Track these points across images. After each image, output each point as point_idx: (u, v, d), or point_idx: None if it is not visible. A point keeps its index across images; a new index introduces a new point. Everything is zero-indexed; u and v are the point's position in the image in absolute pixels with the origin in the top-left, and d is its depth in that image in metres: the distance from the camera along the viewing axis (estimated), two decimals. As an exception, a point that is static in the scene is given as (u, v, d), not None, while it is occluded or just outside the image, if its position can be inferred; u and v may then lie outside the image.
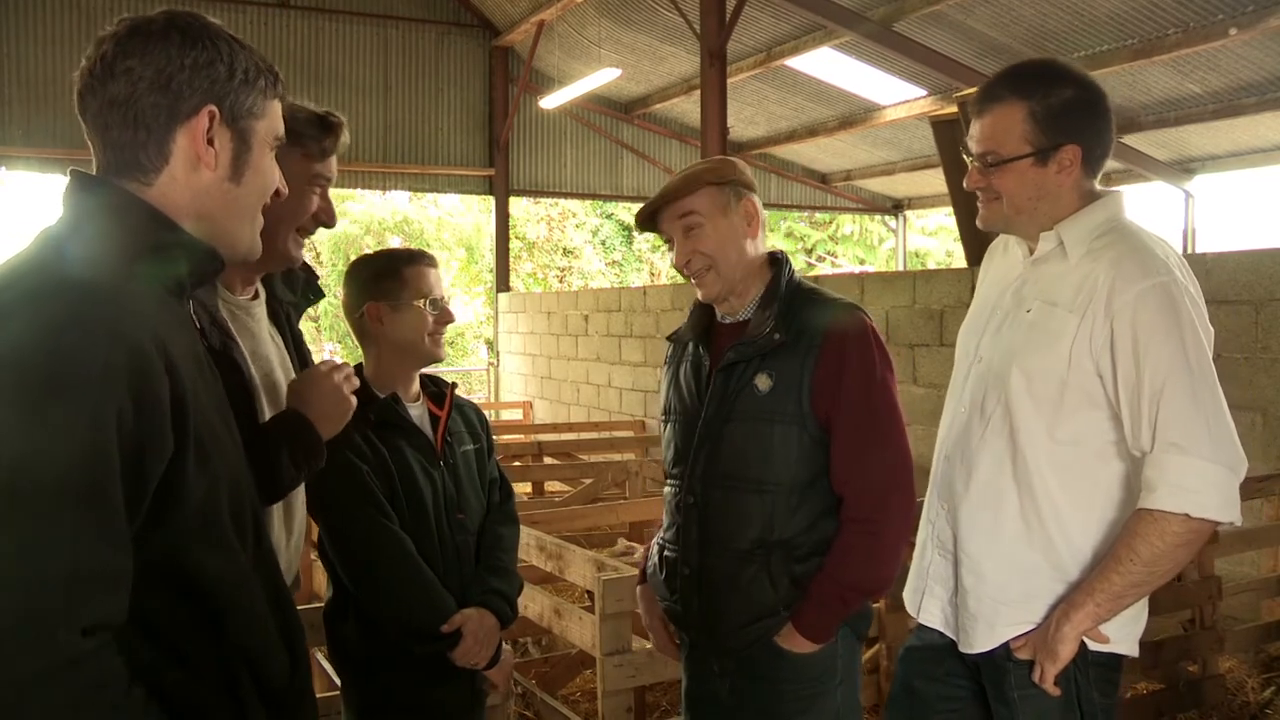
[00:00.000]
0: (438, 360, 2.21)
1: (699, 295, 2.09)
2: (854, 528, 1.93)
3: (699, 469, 2.01)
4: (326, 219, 1.64)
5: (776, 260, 2.08)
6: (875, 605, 3.37)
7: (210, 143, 1.20)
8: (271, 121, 1.27)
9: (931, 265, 20.05)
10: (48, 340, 1.02)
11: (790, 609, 1.95)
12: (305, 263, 1.78)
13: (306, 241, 1.70)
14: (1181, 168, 11.70)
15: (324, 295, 1.90)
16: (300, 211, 1.56)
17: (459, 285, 20.01)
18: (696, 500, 2.01)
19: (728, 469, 1.97)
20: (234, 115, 1.21)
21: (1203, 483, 1.63)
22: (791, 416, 1.93)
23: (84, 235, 1.14)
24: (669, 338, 2.23)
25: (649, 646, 3.11)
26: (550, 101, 12.17)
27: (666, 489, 2.15)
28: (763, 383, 1.95)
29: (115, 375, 1.02)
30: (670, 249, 2.08)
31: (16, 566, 0.95)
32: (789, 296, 2.02)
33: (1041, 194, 1.82)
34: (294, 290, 1.72)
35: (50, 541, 0.96)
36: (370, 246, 17.33)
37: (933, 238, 20.87)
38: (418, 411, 2.21)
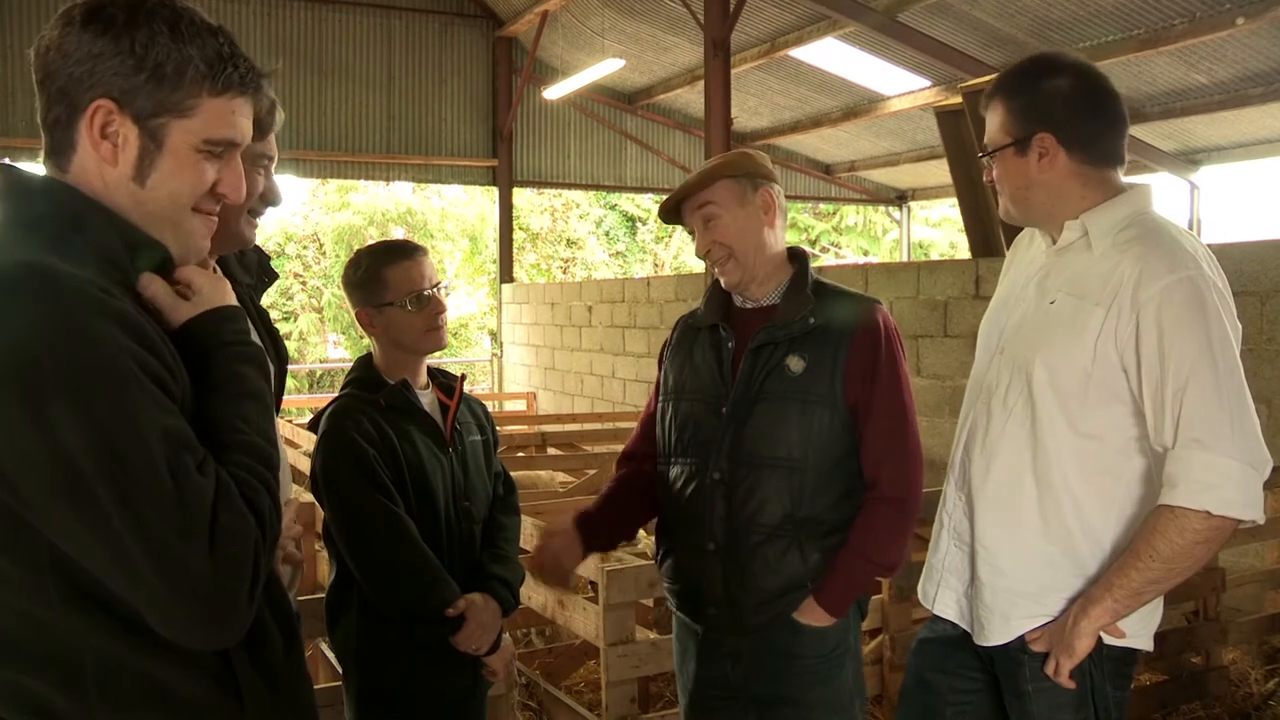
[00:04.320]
0: (439, 349, 2.22)
1: (722, 282, 2.17)
2: (888, 507, 2.03)
3: (725, 447, 2.04)
4: (273, 198, 1.63)
5: (797, 255, 2.19)
6: (877, 596, 3.39)
7: (111, 138, 1.15)
8: (202, 122, 1.18)
9: (935, 256, 20.01)
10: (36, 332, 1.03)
11: (815, 583, 2.02)
12: (256, 244, 1.79)
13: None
14: (1186, 159, 11.66)
15: (279, 276, 1.90)
16: (249, 194, 1.54)
17: (462, 276, 19.99)
18: (723, 477, 2.04)
19: (756, 447, 2.03)
20: (140, 112, 1.15)
21: (1224, 479, 1.61)
22: (824, 399, 2.02)
23: (25, 234, 1.13)
24: (682, 320, 2.27)
25: (653, 637, 3.12)
26: (554, 92, 12.14)
27: (673, 469, 2.14)
28: (795, 364, 2.04)
29: (118, 345, 1.05)
30: (692, 237, 2.19)
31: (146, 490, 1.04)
32: (817, 288, 2.12)
33: (1030, 183, 1.86)
34: (250, 273, 1.72)
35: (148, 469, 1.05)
36: (374, 237, 17.32)
37: (937, 229, 20.82)
38: (427, 399, 2.24)
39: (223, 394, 1.18)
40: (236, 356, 1.22)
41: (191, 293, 1.24)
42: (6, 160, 1.22)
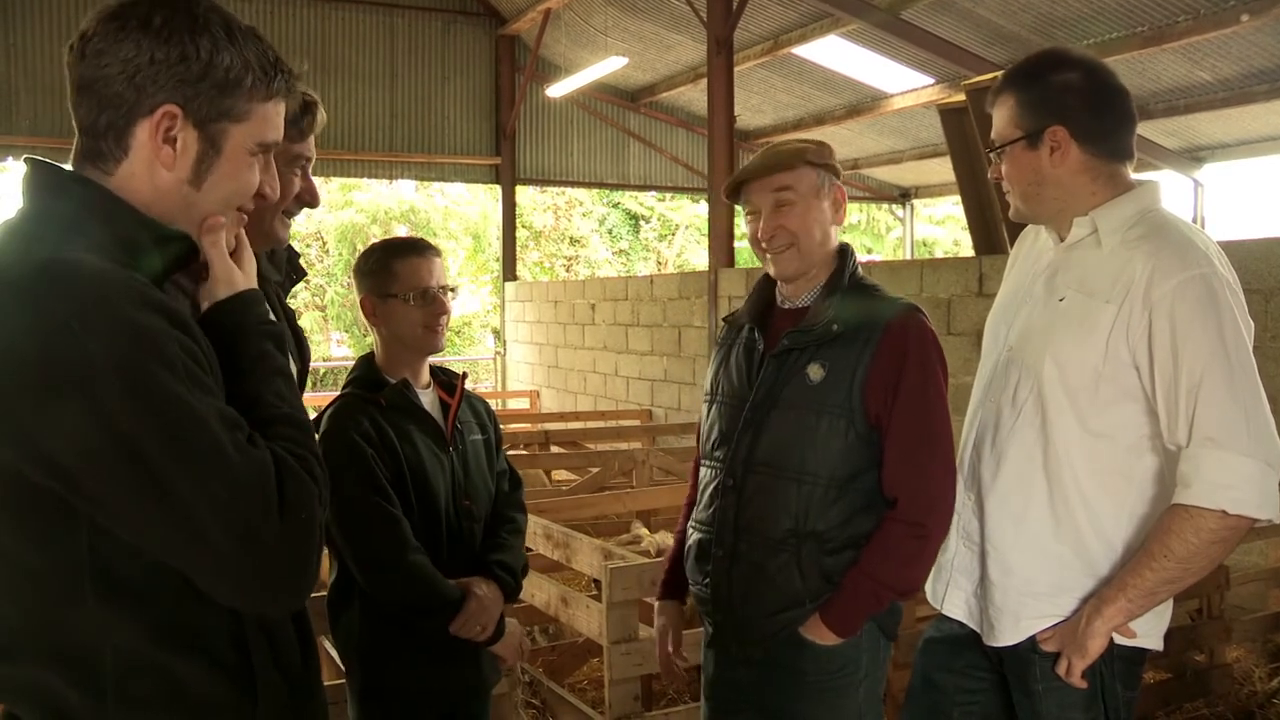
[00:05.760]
0: (435, 351, 2.22)
1: (772, 271, 2.09)
2: (902, 529, 1.92)
3: (741, 453, 2.01)
4: (309, 199, 1.63)
5: (842, 252, 2.10)
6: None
7: (171, 142, 1.16)
8: (256, 126, 1.21)
9: (939, 254, 19.98)
10: (45, 334, 1.02)
11: (816, 601, 1.94)
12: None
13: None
14: (1191, 156, 11.63)
15: (306, 274, 1.91)
16: (285, 194, 1.55)
17: (466, 274, 19.98)
18: (736, 483, 2.01)
19: (768, 456, 1.97)
20: (202, 117, 1.17)
21: (1240, 478, 1.60)
22: (840, 409, 1.93)
23: (55, 229, 1.12)
24: (725, 319, 2.23)
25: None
26: (557, 90, 12.13)
27: (704, 471, 2.14)
28: (815, 372, 1.95)
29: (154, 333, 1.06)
30: (749, 218, 2.07)
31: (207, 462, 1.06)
32: (851, 289, 2.03)
33: (1041, 179, 1.83)
34: (279, 270, 1.73)
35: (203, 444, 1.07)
36: (376, 235, 17.32)
37: (940, 226, 20.78)
38: (428, 398, 2.24)
39: (259, 371, 1.20)
40: (266, 335, 1.24)
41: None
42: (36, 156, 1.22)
